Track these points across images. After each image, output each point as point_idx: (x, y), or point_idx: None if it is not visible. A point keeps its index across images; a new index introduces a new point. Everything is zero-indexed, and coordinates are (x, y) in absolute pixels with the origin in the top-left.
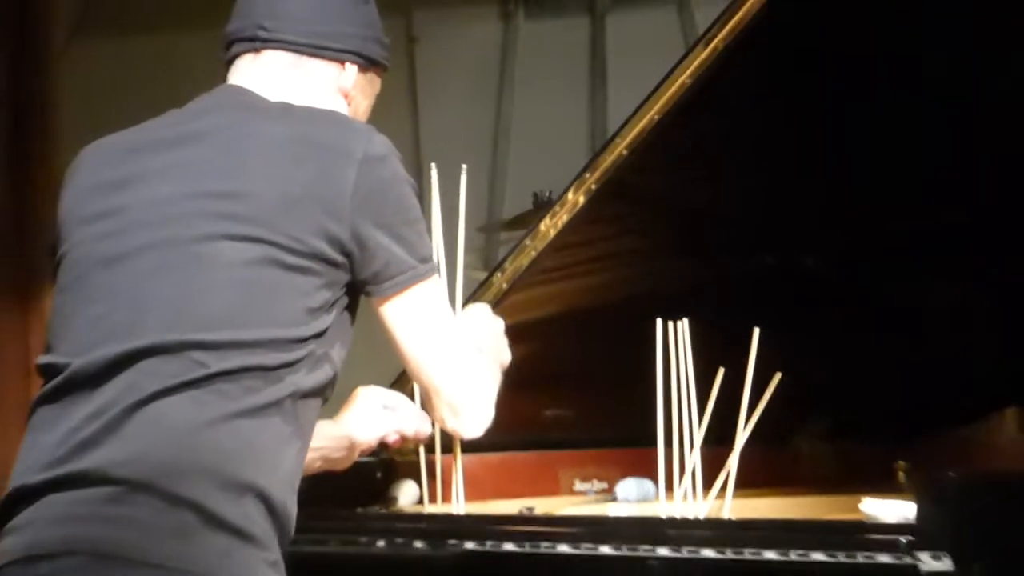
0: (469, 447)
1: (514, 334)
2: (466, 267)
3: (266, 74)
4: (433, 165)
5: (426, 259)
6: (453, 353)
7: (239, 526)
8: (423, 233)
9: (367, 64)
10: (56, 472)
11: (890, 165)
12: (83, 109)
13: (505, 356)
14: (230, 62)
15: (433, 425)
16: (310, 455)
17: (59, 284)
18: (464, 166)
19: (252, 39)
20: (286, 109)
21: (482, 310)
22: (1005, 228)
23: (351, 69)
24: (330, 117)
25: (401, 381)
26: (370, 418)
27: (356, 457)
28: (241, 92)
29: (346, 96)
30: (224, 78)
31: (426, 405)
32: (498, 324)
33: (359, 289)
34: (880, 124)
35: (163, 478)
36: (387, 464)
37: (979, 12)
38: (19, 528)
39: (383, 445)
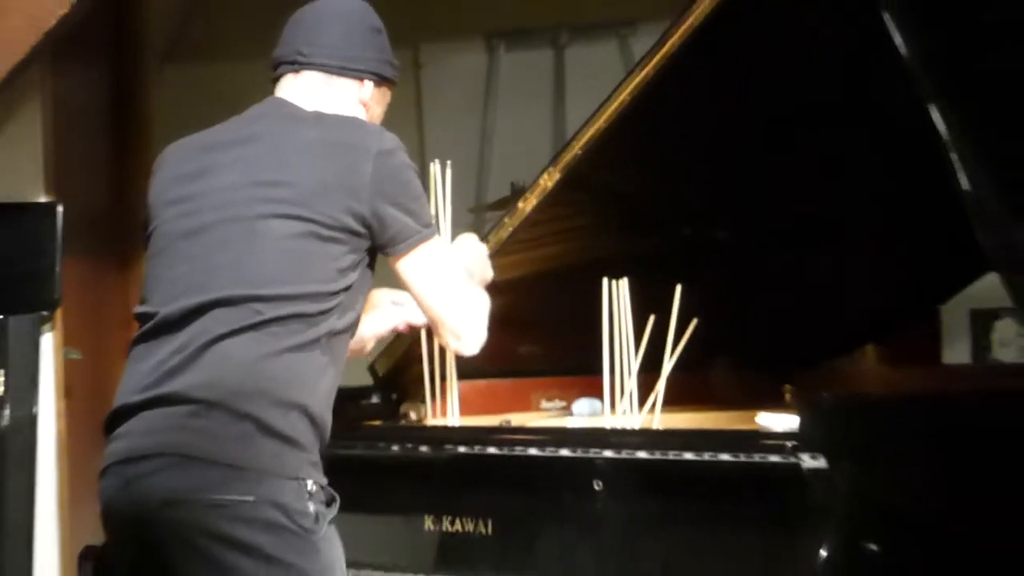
0: (462, 375)
1: (496, 289)
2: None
3: (304, 89)
4: (436, 161)
5: (428, 224)
6: (452, 293)
7: (287, 434)
8: (425, 204)
9: (381, 80)
10: (149, 394)
11: (777, 163)
12: (172, 120)
13: (488, 274)
14: (276, 79)
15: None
16: None
17: (149, 252)
18: (448, 161)
19: (293, 62)
20: (319, 117)
21: (469, 239)
22: (864, 213)
23: (368, 85)
24: (352, 122)
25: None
26: (383, 313)
27: (372, 345)
28: (284, 104)
29: (364, 105)
30: (272, 91)
31: (434, 333)
32: (482, 249)
33: (378, 252)
34: (770, 131)
35: (230, 398)
36: (400, 388)
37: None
38: (121, 436)
39: (395, 332)
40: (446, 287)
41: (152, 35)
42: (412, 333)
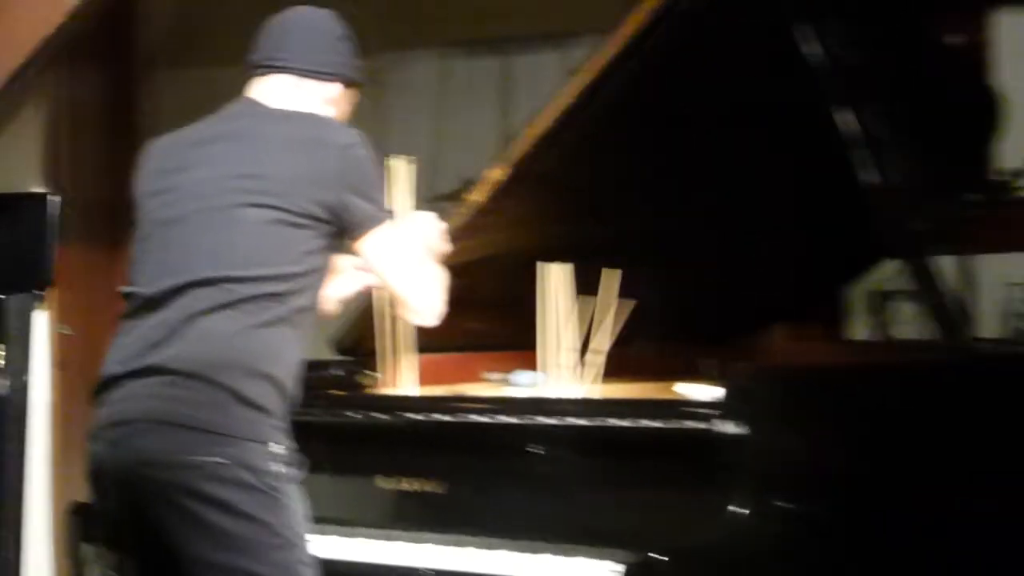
0: (416, 349)
1: (448, 272)
2: None
3: (276, 90)
4: (401, 157)
5: (387, 209)
6: (410, 270)
7: (258, 402)
8: (383, 191)
9: (347, 83)
10: (133, 365)
11: (699, 157)
12: (162, 119)
13: (443, 247)
14: (251, 80)
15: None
16: None
17: (136, 238)
18: (414, 157)
19: (267, 66)
20: (288, 115)
21: (425, 216)
22: (778, 204)
23: (335, 86)
24: (318, 120)
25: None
26: (347, 277)
27: (338, 308)
28: (257, 103)
29: (332, 105)
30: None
31: (395, 306)
32: (437, 224)
33: (340, 236)
34: (692, 128)
35: (207, 369)
36: (360, 361)
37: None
38: (107, 403)
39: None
40: (404, 265)
41: (145, 42)
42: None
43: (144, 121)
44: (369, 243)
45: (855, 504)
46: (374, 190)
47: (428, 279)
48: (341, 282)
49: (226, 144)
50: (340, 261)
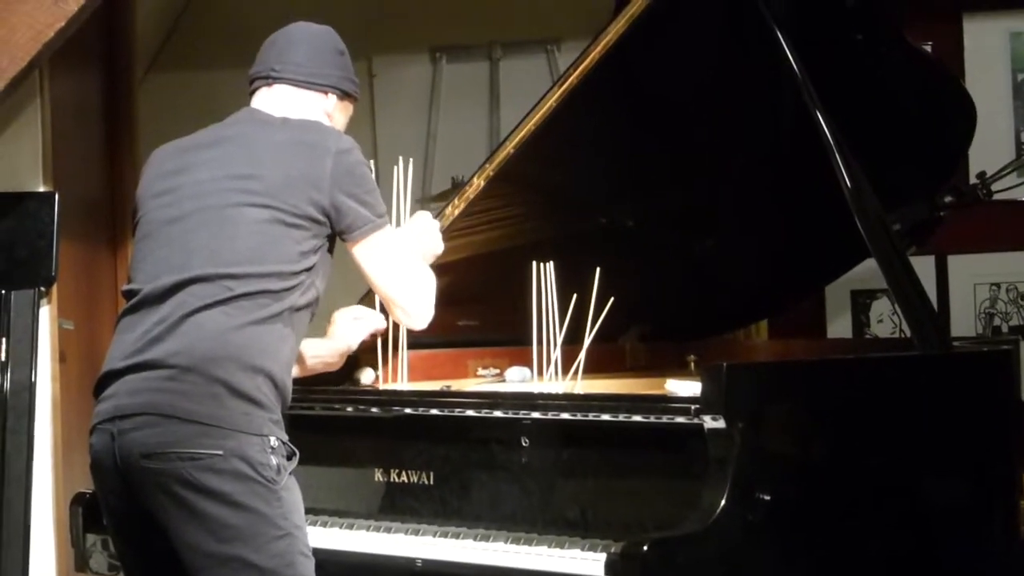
0: (409, 346)
1: (438, 270)
2: None
3: (275, 100)
4: (401, 158)
5: (381, 215)
6: (403, 276)
7: (253, 396)
8: (378, 197)
9: (343, 95)
10: (133, 360)
11: (682, 160)
12: (156, 122)
13: (439, 248)
14: (252, 92)
15: (388, 323)
16: (316, 362)
17: (136, 237)
18: (401, 159)
19: (267, 77)
20: (285, 121)
21: (423, 216)
22: (761, 206)
23: (332, 98)
24: (314, 125)
25: (366, 299)
26: (349, 330)
27: (343, 360)
28: (256, 111)
29: (328, 116)
30: (247, 101)
31: (386, 311)
32: (434, 224)
33: (336, 238)
34: (675, 132)
35: (204, 364)
36: (355, 357)
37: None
38: (108, 397)
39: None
40: (397, 271)
41: (142, 45)
42: (376, 338)
43: (140, 122)
44: (362, 247)
45: (832, 495)
46: (368, 194)
47: (420, 285)
48: (344, 335)
49: (225, 147)
50: (338, 317)
